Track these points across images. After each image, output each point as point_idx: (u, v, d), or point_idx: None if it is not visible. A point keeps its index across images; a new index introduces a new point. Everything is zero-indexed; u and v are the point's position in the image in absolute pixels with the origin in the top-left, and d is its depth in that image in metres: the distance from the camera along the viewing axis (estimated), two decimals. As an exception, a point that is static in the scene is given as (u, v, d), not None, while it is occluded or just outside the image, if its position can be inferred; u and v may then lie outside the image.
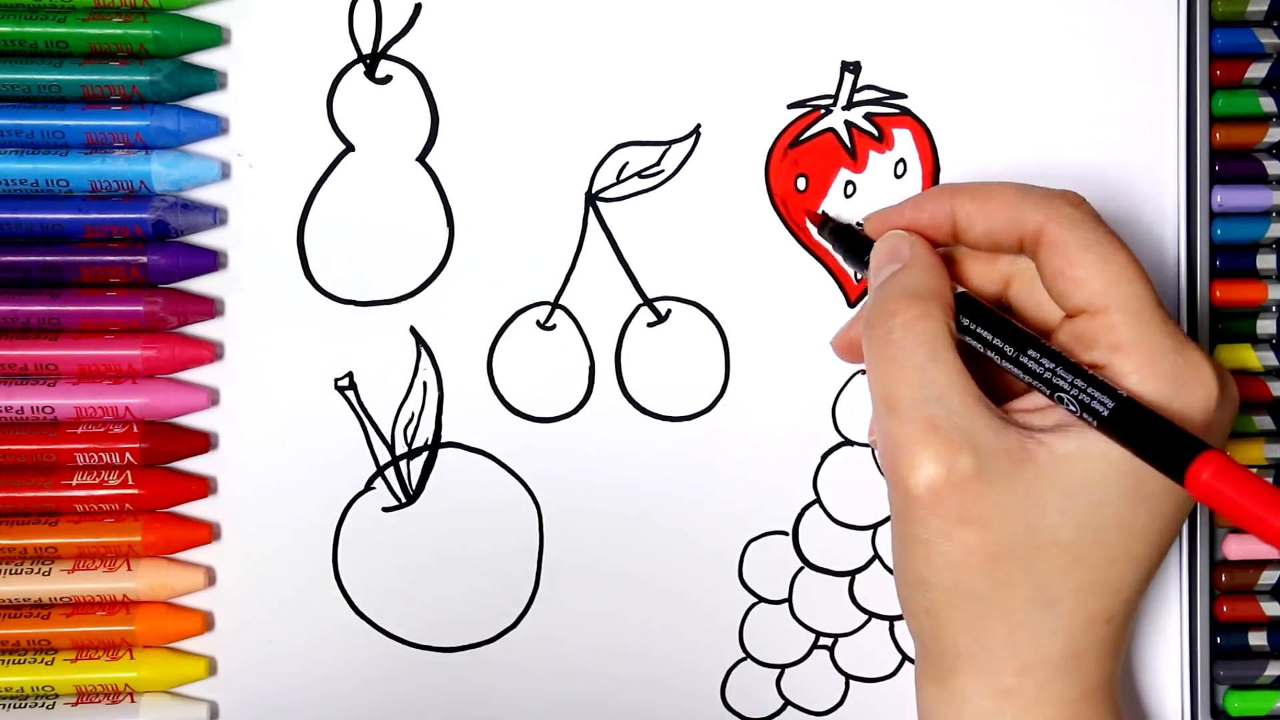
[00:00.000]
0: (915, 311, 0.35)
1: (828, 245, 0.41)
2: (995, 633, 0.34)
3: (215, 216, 0.40)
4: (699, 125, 0.41)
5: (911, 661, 0.42)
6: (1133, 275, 0.34)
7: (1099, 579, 0.34)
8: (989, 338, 0.35)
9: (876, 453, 0.41)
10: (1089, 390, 0.33)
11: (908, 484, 0.34)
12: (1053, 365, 0.34)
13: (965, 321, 0.36)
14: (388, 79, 0.40)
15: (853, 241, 0.39)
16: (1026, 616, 0.34)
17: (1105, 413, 0.32)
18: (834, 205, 0.41)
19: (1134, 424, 0.32)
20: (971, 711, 0.35)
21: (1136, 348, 0.34)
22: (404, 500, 0.41)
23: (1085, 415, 0.33)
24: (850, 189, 0.41)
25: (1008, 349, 0.35)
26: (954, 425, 0.34)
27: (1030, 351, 0.34)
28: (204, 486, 0.40)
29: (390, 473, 0.41)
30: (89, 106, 0.39)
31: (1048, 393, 0.34)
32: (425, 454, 0.41)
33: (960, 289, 0.36)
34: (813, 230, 0.41)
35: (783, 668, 0.42)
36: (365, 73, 0.40)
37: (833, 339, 0.41)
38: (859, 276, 0.41)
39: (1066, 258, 0.35)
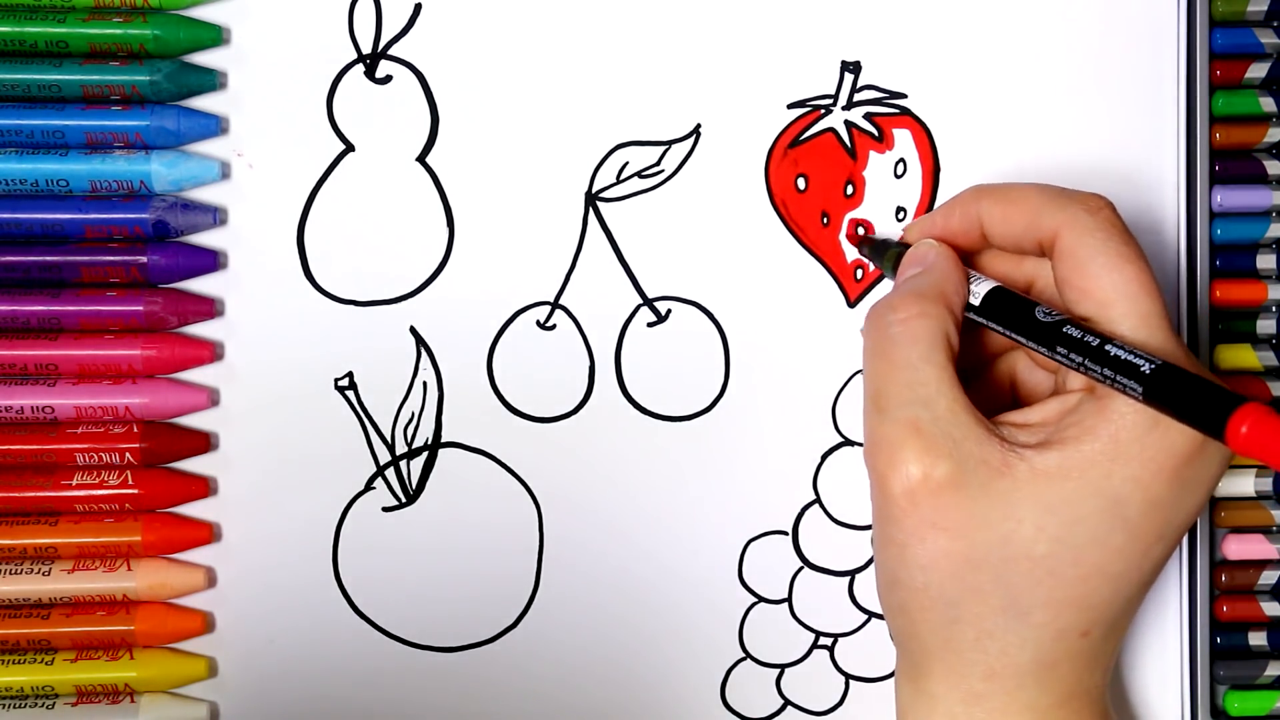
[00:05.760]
0: (915, 310, 0.35)
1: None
2: (964, 637, 0.34)
3: (215, 216, 0.40)
4: (699, 125, 0.41)
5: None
6: (1137, 290, 0.34)
7: (1072, 594, 0.34)
8: (1025, 322, 0.35)
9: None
10: (1135, 352, 0.32)
11: (886, 484, 0.34)
12: (1095, 339, 0.33)
13: (1000, 314, 0.36)
14: (388, 79, 0.40)
15: (890, 254, 0.39)
16: (995, 624, 0.34)
17: (1149, 371, 0.32)
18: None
19: (1172, 387, 0.31)
20: (942, 712, 0.35)
21: None
22: (404, 500, 0.41)
23: (1125, 381, 0.32)
24: (850, 189, 0.41)
25: (1047, 328, 0.34)
26: (938, 430, 0.34)
27: (1068, 328, 0.34)
28: (204, 486, 0.40)
29: (390, 473, 0.41)
30: (89, 106, 0.39)
31: (1080, 360, 0.33)
32: (425, 454, 0.41)
33: (996, 284, 0.36)
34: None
35: (783, 667, 0.42)
36: (365, 73, 0.40)
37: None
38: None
39: (1075, 266, 0.35)
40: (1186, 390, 0.31)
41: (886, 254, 0.39)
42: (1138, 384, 0.32)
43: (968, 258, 0.38)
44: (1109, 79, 0.41)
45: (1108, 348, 0.33)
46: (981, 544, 0.33)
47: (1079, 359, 0.33)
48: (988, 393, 0.39)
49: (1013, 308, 0.36)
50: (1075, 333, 0.33)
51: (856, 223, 0.41)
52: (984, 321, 0.36)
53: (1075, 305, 0.35)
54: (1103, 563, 0.34)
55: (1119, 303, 0.34)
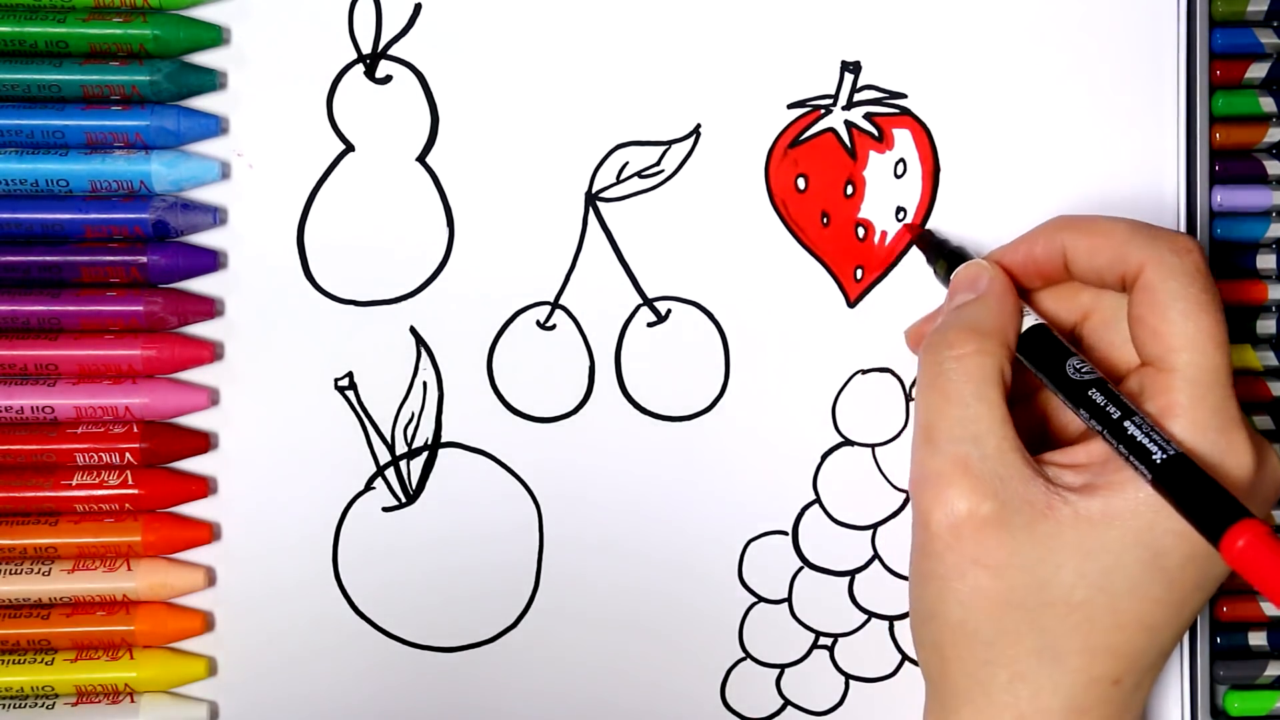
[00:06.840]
0: (971, 347, 0.35)
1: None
2: (997, 678, 0.34)
3: (215, 216, 0.40)
4: (699, 125, 0.41)
5: (911, 661, 0.42)
6: (1206, 344, 0.34)
7: (1107, 642, 0.34)
8: (1055, 372, 0.35)
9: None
10: (1152, 434, 0.32)
11: (930, 518, 0.34)
12: (1116, 411, 0.33)
13: (1035, 354, 0.36)
14: (388, 79, 0.40)
15: (947, 258, 0.39)
16: (1028, 667, 0.34)
17: (1159, 460, 0.32)
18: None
19: (1181, 480, 0.32)
20: None
21: (1184, 417, 0.34)
22: (404, 500, 0.41)
23: (1136, 461, 0.33)
24: (850, 189, 0.41)
25: (1074, 386, 0.34)
26: (986, 468, 0.34)
27: (1093, 392, 0.34)
28: (204, 486, 0.40)
29: (390, 473, 0.41)
30: (89, 106, 0.39)
31: (1100, 429, 0.34)
32: (425, 454, 0.41)
33: (1040, 321, 0.36)
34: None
35: (782, 667, 0.42)
36: (365, 73, 0.40)
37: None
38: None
39: (1152, 306, 0.34)
40: (1193, 488, 0.31)
41: (939, 258, 0.39)
42: (1148, 469, 0.32)
43: (1021, 289, 0.38)
44: (1109, 79, 0.41)
45: (1126, 424, 0.33)
46: (1020, 585, 0.34)
47: (1099, 426, 0.34)
48: (1033, 418, 0.39)
49: (1048, 352, 0.36)
50: (1100, 399, 0.34)
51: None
52: (1019, 357, 0.36)
53: (1144, 345, 0.35)
54: (1140, 613, 0.34)
55: (1187, 351, 0.34)
